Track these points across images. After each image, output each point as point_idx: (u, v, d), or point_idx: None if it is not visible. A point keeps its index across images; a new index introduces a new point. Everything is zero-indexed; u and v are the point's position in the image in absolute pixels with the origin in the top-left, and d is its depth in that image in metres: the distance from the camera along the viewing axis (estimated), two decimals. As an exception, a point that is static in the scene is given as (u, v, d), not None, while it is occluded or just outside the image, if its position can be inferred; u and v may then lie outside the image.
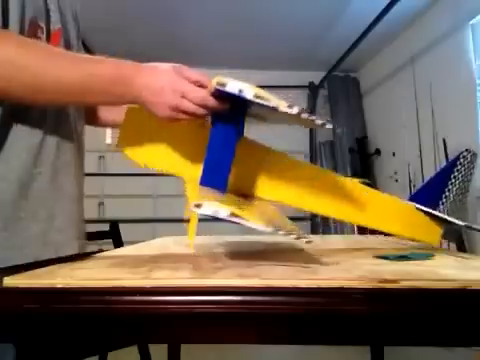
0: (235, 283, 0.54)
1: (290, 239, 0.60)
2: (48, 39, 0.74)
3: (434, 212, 0.89)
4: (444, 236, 0.93)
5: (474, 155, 0.94)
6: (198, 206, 0.56)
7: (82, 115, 0.87)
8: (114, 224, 1.89)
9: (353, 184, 0.89)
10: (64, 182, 0.77)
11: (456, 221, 0.89)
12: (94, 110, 0.96)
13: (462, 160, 0.92)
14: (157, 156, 0.79)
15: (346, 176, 0.97)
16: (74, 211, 0.79)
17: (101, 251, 0.92)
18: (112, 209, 4.21)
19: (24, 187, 0.70)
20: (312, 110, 4.64)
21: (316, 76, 4.47)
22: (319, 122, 0.63)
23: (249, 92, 0.60)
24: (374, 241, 1.23)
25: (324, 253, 0.84)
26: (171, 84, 0.66)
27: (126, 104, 0.76)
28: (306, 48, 4.03)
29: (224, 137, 0.70)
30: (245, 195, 0.84)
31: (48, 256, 0.72)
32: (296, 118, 0.64)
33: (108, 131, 4.20)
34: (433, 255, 0.80)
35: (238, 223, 0.57)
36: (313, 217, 4.48)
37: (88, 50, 3.85)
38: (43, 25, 0.73)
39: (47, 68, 0.63)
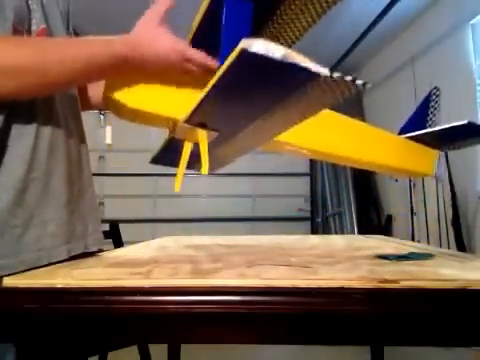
0: (235, 283, 0.54)
1: (347, 79, 0.49)
2: None
3: (423, 131, 0.94)
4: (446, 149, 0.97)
5: (439, 90, 1.07)
6: (248, 46, 0.45)
7: (76, 113, 0.86)
8: (114, 224, 1.89)
9: (340, 118, 0.87)
10: (56, 185, 0.77)
11: (449, 125, 0.88)
12: (84, 93, 0.93)
13: (434, 97, 1.05)
14: (151, 96, 0.73)
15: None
16: (64, 216, 0.79)
17: (101, 251, 0.92)
18: (112, 209, 4.21)
19: (19, 194, 0.70)
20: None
21: (316, 76, 4.47)
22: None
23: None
24: (374, 241, 1.23)
25: (324, 253, 0.84)
26: (174, 50, 0.68)
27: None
28: (306, 48, 4.01)
29: (240, 8, 0.63)
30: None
31: (42, 262, 0.72)
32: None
33: (108, 131, 4.21)
34: (433, 255, 0.80)
35: (295, 65, 0.46)
36: (313, 217, 4.49)
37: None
38: (24, 28, 0.72)
39: (47, 59, 0.66)
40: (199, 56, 0.70)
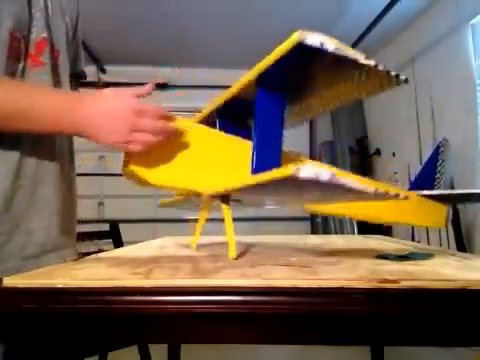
0: (235, 283, 0.53)
1: (389, 197, 0.55)
2: (27, 49, 0.73)
3: (439, 192, 0.96)
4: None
5: (447, 142, 1.15)
6: (297, 170, 0.49)
7: None
8: (114, 224, 1.89)
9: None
10: (44, 194, 0.76)
11: (461, 191, 0.97)
12: None
13: (443, 148, 1.09)
14: (172, 173, 0.73)
15: (344, 166, 0.97)
16: (53, 224, 0.78)
17: (101, 251, 0.92)
18: (112, 209, 4.21)
19: (6, 201, 0.70)
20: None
21: (316, 76, 4.47)
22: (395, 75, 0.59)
23: (330, 44, 0.56)
24: (374, 241, 1.23)
25: (324, 253, 0.84)
26: (127, 106, 0.65)
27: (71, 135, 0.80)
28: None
29: (270, 112, 0.65)
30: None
31: (29, 269, 0.71)
32: None
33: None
34: (433, 255, 0.79)
35: (342, 185, 0.50)
36: (313, 217, 4.49)
37: (90, 54, 3.85)
38: (22, 35, 0.72)
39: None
40: (152, 108, 0.67)
